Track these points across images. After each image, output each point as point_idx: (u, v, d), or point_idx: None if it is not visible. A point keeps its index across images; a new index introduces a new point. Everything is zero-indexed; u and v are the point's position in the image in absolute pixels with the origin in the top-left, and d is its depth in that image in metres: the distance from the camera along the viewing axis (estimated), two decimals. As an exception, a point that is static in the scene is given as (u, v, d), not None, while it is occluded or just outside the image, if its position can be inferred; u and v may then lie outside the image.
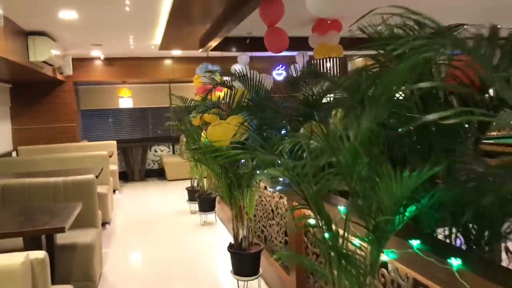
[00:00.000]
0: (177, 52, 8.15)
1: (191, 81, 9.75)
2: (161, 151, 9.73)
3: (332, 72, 5.56)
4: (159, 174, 9.62)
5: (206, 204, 5.54)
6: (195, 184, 6.38)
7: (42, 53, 5.53)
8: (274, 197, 3.48)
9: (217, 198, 5.68)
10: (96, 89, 9.22)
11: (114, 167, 7.94)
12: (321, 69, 5.63)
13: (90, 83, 9.02)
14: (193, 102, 5.89)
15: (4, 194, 3.77)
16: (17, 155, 7.72)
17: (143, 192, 8.03)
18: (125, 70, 8.50)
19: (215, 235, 5.20)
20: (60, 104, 8.25)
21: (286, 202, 3.23)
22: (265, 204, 3.74)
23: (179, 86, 9.68)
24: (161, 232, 5.41)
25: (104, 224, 5.58)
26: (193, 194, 6.14)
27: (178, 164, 8.93)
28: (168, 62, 8.76)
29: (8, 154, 7.56)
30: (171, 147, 9.78)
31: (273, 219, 3.55)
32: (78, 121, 8.90)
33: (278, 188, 3.09)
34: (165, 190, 8.21)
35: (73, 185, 3.88)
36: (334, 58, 5.53)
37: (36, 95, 8.12)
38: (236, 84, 5.09)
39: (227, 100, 3.87)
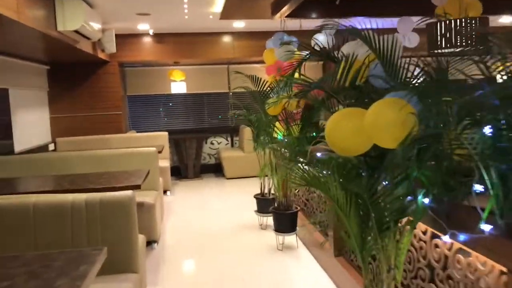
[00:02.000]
0: (239, 25, 6.71)
1: (256, 62, 8.33)
2: (218, 143, 8.39)
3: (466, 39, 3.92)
4: (216, 169, 8.30)
5: (284, 221, 4.10)
6: (266, 190, 4.95)
7: (73, 20, 4.26)
8: (446, 251, 1.94)
9: (299, 214, 4.22)
10: (145, 71, 7.99)
11: (165, 163, 6.68)
12: (448, 35, 4.01)
13: (137, 64, 7.80)
14: (266, 84, 4.45)
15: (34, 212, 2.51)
16: (55, 148, 6.63)
17: (199, 194, 6.73)
18: (178, 48, 7.18)
19: (299, 266, 3.76)
20: (103, 89, 7.08)
21: (480, 267, 1.70)
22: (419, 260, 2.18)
23: (240, 68, 8.25)
24: (223, 256, 4.04)
25: (150, 243, 4.29)
26: (264, 205, 4.73)
27: (238, 160, 7.56)
28: (228, 38, 7.35)
29: (45, 146, 6.47)
30: (229, 139, 8.43)
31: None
32: (124, 108, 7.72)
33: (464, 237, 1.59)
34: (224, 192, 6.85)
35: (101, 205, 2.55)
36: (470, 19, 3.87)
37: (77, 77, 6.98)
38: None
39: (337, 77, 2.37)
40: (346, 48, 2.56)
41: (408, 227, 1.87)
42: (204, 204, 6.11)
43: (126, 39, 6.97)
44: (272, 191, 4.81)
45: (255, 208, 4.94)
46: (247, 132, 7.48)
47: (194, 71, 8.14)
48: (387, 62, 2.08)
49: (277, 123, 4.36)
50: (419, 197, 1.79)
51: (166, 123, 8.24)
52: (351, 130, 1.65)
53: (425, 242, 2.08)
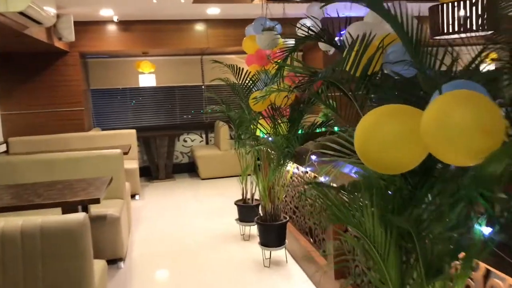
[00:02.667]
0: (214, 11, 6.10)
1: (232, 52, 7.74)
2: (192, 141, 7.78)
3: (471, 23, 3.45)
4: (190, 169, 7.70)
5: (271, 234, 3.55)
6: (249, 196, 4.41)
7: (17, 0, 3.58)
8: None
9: (288, 224, 3.68)
10: (110, 62, 7.28)
11: (133, 164, 6.04)
12: (450, 20, 3.54)
13: (102, 55, 7.08)
14: (249, 75, 3.90)
15: None
16: (7, 149, 5.89)
17: (171, 197, 6.11)
18: (146, 37, 6.51)
19: (290, 286, 3.24)
20: (63, 82, 6.34)
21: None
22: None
23: (215, 59, 7.63)
24: (201, 274, 3.47)
25: (115, 261, 3.68)
26: (247, 213, 4.18)
27: (214, 159, 6.97)
28: (201, 26, 6.71)
29: (-4, 147, 5.73)
30: (204, 136, 7.82)
31: None
32: (87, 104, 7.00)
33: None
34: (200, 194, 6.26)
35: (42, 235, 1.94)
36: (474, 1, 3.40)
37: (31, 70, 6.23)
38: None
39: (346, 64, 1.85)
40: (354, 29, 2.03)
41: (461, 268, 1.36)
42: (177, 209, 5.50)
43: (87, 26, 6.25)
44: (256, 197, 4.26)
45: (236, 215, 4.39)
46: (223, 129, 6.90)
47: (165, 62, 7.48)
48: (414, 45, 1.56)
49: (261, 120, 3.82)
50: (477, 226, 1.29)
51: (134, 119, 7.56)
52: (399, 136, 1.11)
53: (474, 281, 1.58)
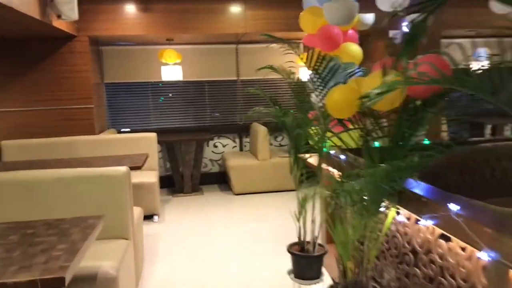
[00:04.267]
0: (256, -15, 4.83)
1: (273, 40, 6.43)
2: (223, 146, 6.52)
3: None
4: (220, 179, 6.45)
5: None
6: (308, 237, 3.09)
7: None
8: None
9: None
10: (128, 51, 6.10)
11: (151, 177, 4.83)
12: None
13: (117, 40, 5.90)
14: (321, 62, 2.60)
15: None
16: (0, 154, 4.78)
17: (198, 220, 4.87)
18: (171, 19, 5.29)
19: None
20: (68, 74, 5.19)
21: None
22: None
23: (253, 49, 6.37)
24: None
25: None
26: (307, 266, 2.86)
27: (250, 170, 5.71)
28: (238, 7, 5.44)
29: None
30: (237, 140, 6.55)
31: None
32: (101, 100, 5.84)
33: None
34: (234, 217, 4.99)
35: None
36: None
37: (28, 58, 5.10)
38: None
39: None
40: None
41: None
42: (205, 240, 4.25)
43: (99, 5, 5.08)
44: (320, 241, 2.96)
45: (287, 260, 3.09)
46: (262, 133, 5.61)
47: (193, 51, 6.25)
48: None
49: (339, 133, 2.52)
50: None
51: (156, 120, 6.37)
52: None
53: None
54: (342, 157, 2.60)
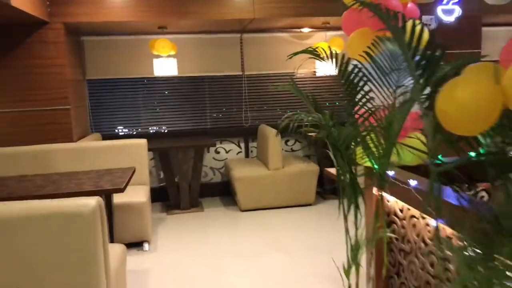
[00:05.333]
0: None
1: (283, 29, 5.54)
2: (226, 152, 5.63)
3: None
4: (223, 191, 5.56)
5: None
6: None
7: None
8: None
9: None
10: (113, 42, 5.19)
11: (140, 195, 3.93)
12: None
13: (101, 31, 4.99)
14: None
15: None
16: (-49, 168, 3.87)
17: (198, 247, 3.97)
18: (164, 2, 4.38)
19: None
20: (40, 68, 4.28)
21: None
22: None
23: (260, 39, 5.47)
24: None
25: None
26: None
27: (259, 182, 4.82)
28: (243, -13, 4.54)
29: None
30: (242, 145, 5.65)
31: None
32: (83, 100, 4.93)
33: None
34: (243, 242, 4.10)
35: None
36: None
37: (-9, 49, 4.19)
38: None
39: None
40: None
41: None
42: (207, 274, 3.36)
43: (75, -16, 4.17)
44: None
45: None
46: (273, 138, 4.72)
47: (190, 42, 5.34)
48: None
49: (410, 140, 1.65)
50: None
51: (148, 122, 5.46)
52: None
53: None
54: (412, 183, 1.72)
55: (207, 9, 4.46)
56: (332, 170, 2.75)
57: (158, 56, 4.87)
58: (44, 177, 3.17)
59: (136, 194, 3.88)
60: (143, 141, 4.30)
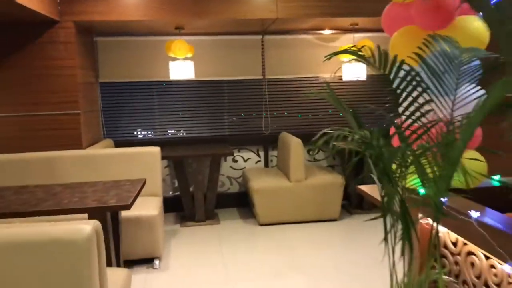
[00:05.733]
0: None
1: (307, 30, 5.21)
2: (245, 160, 5.30)
3: None
4: (240, 201, 5.24)
5: None
6: None
7: None
8: None
9: None
10: (128, 43, 4.93)
11: (151, 207, 3.63)
12: None
13: (115, 32, 4.73)
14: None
15: None
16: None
17: (215, 264, 3.65)
18: (181, 1, 4.10)
19: None
20: (49, 70, 4.04)
21: None
22: None
23: (283, 41, 5.15)
24: None
25: None
26: None
27: (279, 194, 4.48)
28: (266, -15, 4.23)
29: None
30: (262, 153, 5.32)
31: None
32: (95, 105, 4.69)
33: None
34: (262, 261, 3.76)
35: None
36: None
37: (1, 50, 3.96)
38: None
39: None
40: None
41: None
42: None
43: (87, -19, 3.92)
44: None
45: None
46: (295, 146, 4.38)
47: (208, 44, 5.05)
48: None
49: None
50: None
51: (163, 128, 5.18)
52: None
53: None
54: (474, 215, 1.37)
55: (226, 8, 4.15)
56: (367, 189, 2.40)
57: (174, 59, 4.59)
58: (45, 189, 2.89)
59: (147, 207, 3.58)
60: (156, 149, 4.01)
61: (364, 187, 2.56)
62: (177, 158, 4.53)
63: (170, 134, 5.17)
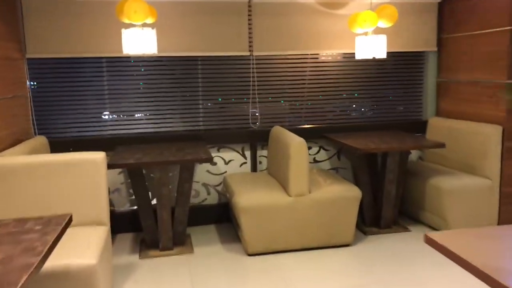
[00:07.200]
0: None
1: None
2: (226, 163, 4.08)
3: None
4: (220, 216, 4.05)
5: None
6: None
7: None
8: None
9: None
10: (66, 4, 3.58)
11: (89, 250, 2.38)
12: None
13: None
14: None
15: None
16: None
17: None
18: None
19: None
20: None
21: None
22: None
23: (277, 5, 3.91)
24: None
25: None
26: None
27: (275, 213, 3.29)
28: None
29: None
30: (248, 153, 4.11)
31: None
32: (19, 88, 3.35)
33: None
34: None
35: None
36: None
37: None
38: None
39: None
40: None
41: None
42: None
43: None
44: None
45: None
46: (296, 147, 3.19)
47: (176, 7, 3.75)
48: None
49: None
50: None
51: (114, 121, 3.89)
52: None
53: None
54: None
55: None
56: (446, 239, 1.26)
57: (128, 26, 3.29)
58: None
59: (82, 249, 2.34)
60: (99, 156, 2.74)
61: (436, 235, 1.42)
62: (133, 167, 3.26)
63: (125, 130, 3.89)
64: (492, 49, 3.60)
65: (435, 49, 4.25)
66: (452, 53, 4.10)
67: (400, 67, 4.29)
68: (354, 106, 4.25)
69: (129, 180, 3.72)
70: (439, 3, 4.18)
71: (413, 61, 4.32)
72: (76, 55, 3.64)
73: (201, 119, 4.00)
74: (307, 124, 4.15)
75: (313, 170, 3.93)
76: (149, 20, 3.28)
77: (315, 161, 4.22)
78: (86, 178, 2.70)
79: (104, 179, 2.75)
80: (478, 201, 3.58)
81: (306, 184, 3.30)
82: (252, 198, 3.28)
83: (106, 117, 3.84)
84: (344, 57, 4.15)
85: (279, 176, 3.59)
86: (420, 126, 4.34)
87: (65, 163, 2.68)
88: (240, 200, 3.28)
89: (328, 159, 4.25)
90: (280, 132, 3.64)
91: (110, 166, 3.00)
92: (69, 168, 2.68)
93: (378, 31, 3.76)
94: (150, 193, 3.74)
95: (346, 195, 3.38)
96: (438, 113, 4.36)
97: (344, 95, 4.21)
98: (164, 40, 3.65)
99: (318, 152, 4.21)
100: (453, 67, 4.10)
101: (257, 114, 4.05)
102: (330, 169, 4.25)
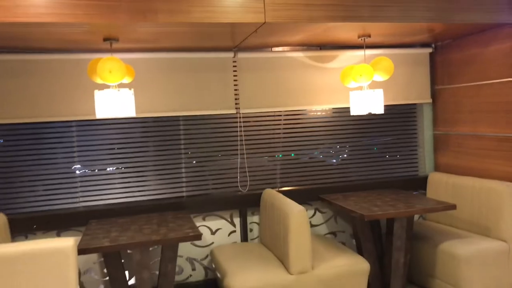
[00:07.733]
0: None
1: (298, 46, 3.63)
2: (213, 232, 3.65)
3: None
4: (208, 294, 3.58)
5: None
6: None
7: None
8: None
9: None
10: (30, 63, 3.19)
11: None
12: None
13: (9, 44, 2.99)
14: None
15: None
16: None
17: None
18: (114, 3, 2.47)
19: None
20: None
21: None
22: None
23: (264, 59, 3.63)
24: None
25: None
26: None
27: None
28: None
29: None
30: (238, 220, 3.69)
31: None
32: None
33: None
34: None
35: None
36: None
37: None
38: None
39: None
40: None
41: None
42: None
43: None
44: None
45: None
46: (296, 216, 2.82)
47: (155, 63, 3.41)
48: None
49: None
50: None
51: (88, 192, 3.43)
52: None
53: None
54: None
55: (185, 5, 2.57)
56: None
57: (103, 87, 2.92)
58: None
59: None
60: (68, 245, 2.28)
61: None
62: (109, 250, 2.78)
63: (98, 201, 3.43)
64: (496, 100, 3.39)
65: (430, 100, 4.04)
66: (449, 105, 3.89)
67: (393, 120, 4.05)
68: (348, 163, 3.94)
69: (102, 259, 3.24)
70: (431, 54, 4.01)
71: (405, 114, 4.09)
72: (40, 119, 3.21)
73: (183, 184, 3.60)
74: (300, 185, 3.80)
75: (314, 241, 3.53)
76: (126, 80, 2.93)
77: (311, 225, 3.84)
78: (51, 272, 2.23)
79: (73, 272, 2.28)
80: (496, 267, 3.25)
81: (308, 259, 2.90)
82: (248, 280, 2.84)
83: (77, 187, 3.38)
84: (334, 112, 3.88)
85: (276, 249, 3.17)
86: (419, 183, 4.05)
87: (24, 255, 2.21)
88: (234, 283, 2.84)
89: (324, 222, 3.88)
90: (274, 197, 3.26)
91: (81, 251, 2.54)
92: (29, 261, 2.21)
93: (371, 84, 3.52)
94: (127, 272, 3.25)
95: (353, 269, 2.99)
96: (437, 168, 4.09)
97: (332, 151, 3.90)
98: (143, 100, 3.29)
99: (313, 215, 3.84)
100: (451, 119, 3.87)
101: (246, 175, 3.67)
102: (328, 233, 3.88)
